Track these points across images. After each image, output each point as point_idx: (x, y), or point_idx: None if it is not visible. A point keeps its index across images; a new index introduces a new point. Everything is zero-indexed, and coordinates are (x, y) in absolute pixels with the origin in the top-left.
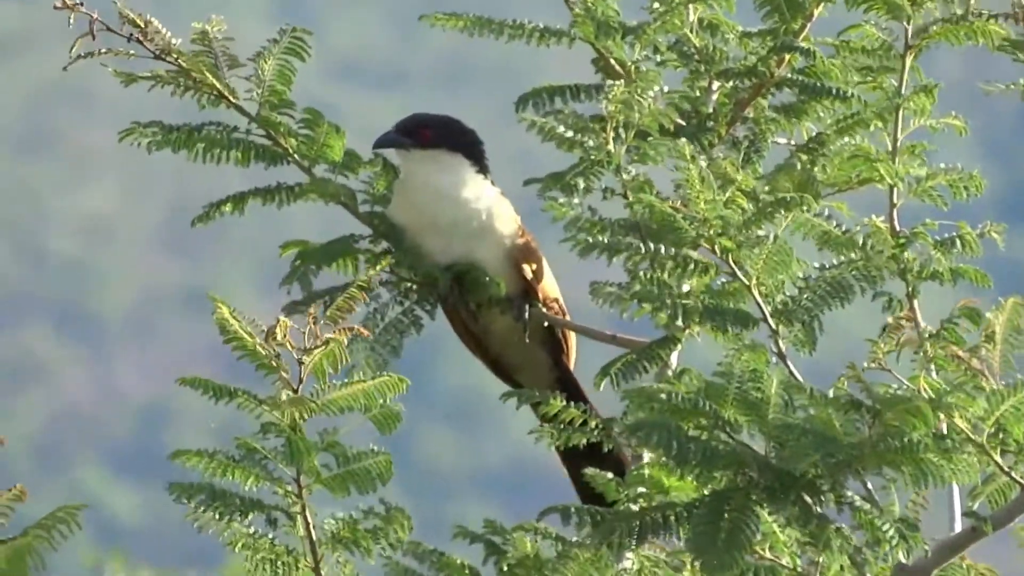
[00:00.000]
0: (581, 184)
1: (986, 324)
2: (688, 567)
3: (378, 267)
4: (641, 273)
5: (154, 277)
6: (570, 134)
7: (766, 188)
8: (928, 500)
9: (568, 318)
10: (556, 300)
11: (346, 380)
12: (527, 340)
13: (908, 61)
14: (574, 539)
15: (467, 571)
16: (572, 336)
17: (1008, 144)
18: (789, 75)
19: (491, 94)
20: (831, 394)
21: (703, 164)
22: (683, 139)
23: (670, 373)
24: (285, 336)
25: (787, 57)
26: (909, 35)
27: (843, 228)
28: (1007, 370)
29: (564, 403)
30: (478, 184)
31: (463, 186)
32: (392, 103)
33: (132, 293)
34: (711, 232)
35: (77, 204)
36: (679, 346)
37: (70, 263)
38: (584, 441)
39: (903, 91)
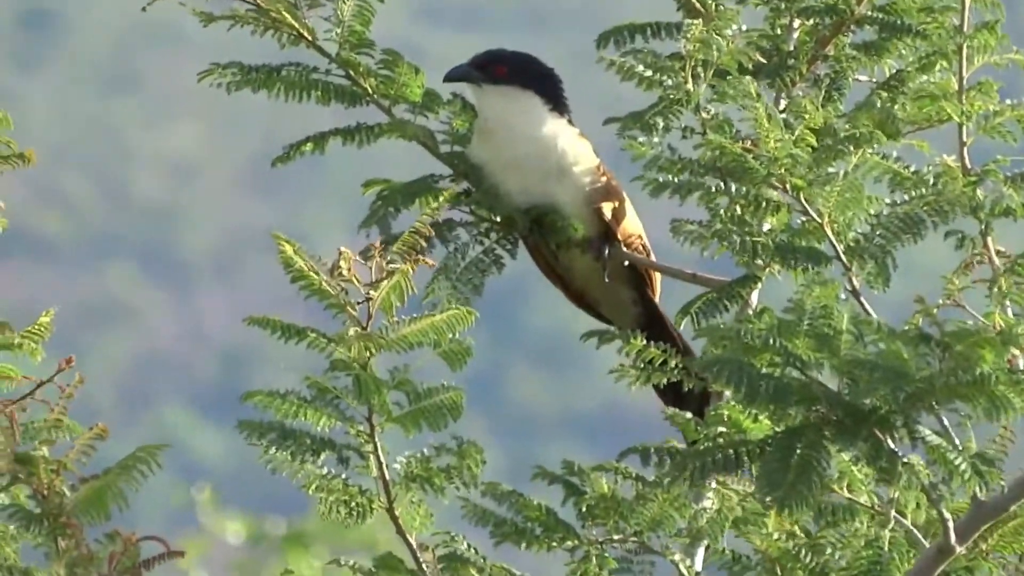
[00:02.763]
0: (660, 123)
1: None
2: (770, 508)
3: (441, 199)
4: (721, 211)
5: (240, 218)
6: (648, 73)
7: (846, 126)
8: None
9: (651, 255)
10: (639, 237)
11: (415, 316)
12: (607, 279)
13: None
14: (653, 479)
15: (544, 512)
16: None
17: None
18: (870, 13)
19: (572, 35)
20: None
21: (772, 104)
22: (748, 77)
23: (750, 312)
24: (350, 271)
25: None
26: None
27: (913, 169)
28: None
29: (645, 342)
30: (554, 123)
31: (539, 124)
32: (473, 43)
33: (218, 234)
34: (781, 170)
35: (163, 145)
36: (759, 285)
37: (156, 204)
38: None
39: (965, 29)
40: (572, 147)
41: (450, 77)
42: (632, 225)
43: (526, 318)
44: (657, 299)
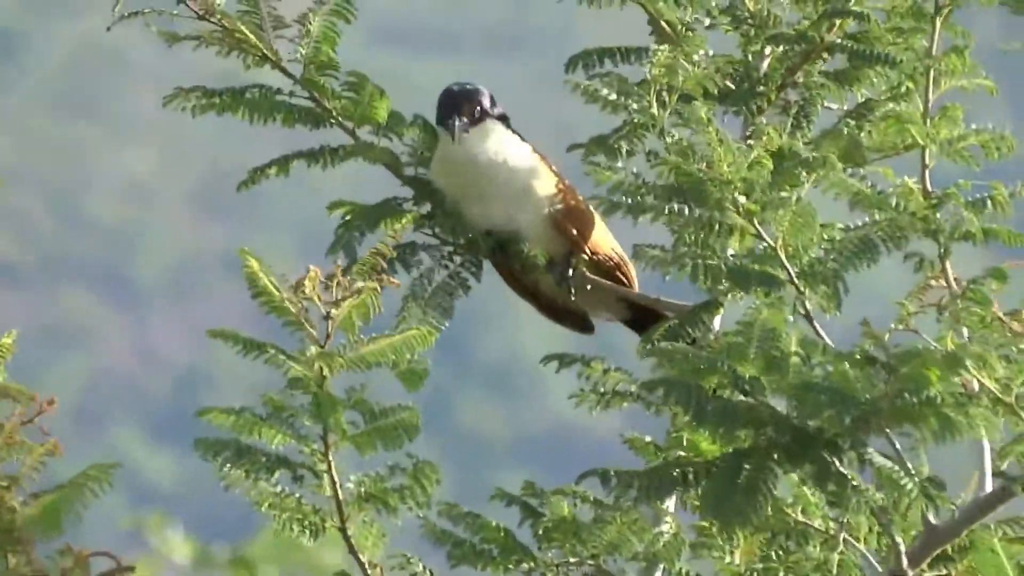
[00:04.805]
0: (624, 148)
1: None
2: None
3: (404, 221)
4: (685, 236)
5: (192, 240)
6: (613, 96)
7: (812, 152)
8: (958, 461)
9: (628, 264)
10: (612, 251)
11: (373, 336)
12: (573, 298)
13: (938, 22)
14: (611, 502)
15: (502, 534)
16: (631, 269)
17: None
18: (840, 41)
19: (533, 61)
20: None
21: (737, 129)
22: (697, 102)
23: (712, 338)
24: (314, 289)
25: (839, 22)
26: None
27: (875, 187)
28: None
29: (604, 368)
30: (517, 147)
31: (504, 152)
32: (436, 68)
33: (170, 256)
34: (735, 194)
35: (117, 167)
36: (721, 310)
37: (109, 226)
38: None
39: (934, 52)
40: (534, 171)
41: (456, 137)
42: (603, 242)
43: (477, 342)
44: (635, 286)
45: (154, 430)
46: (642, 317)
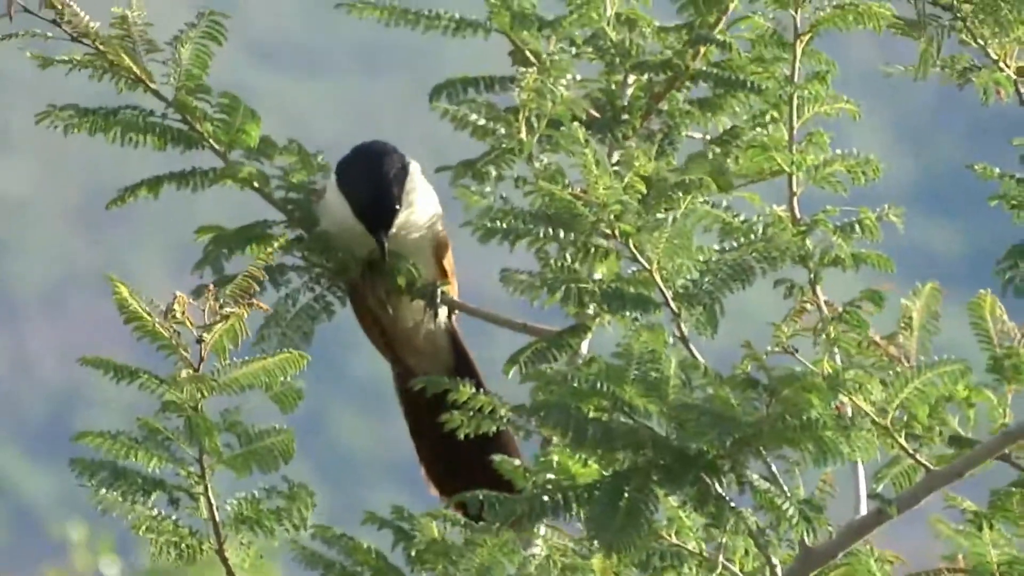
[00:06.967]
0: (493, 172)
1: (903, 310)
2: (596, 554)
3: (275, 245)
4: (552, 261)
5: (69, 257)
6: (482, 122)
7: (673, 174)
8: (834, 483)
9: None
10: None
11: (247, 359)
12: (432, 327)
13: (798, 49)
14: (482, 525)
15: (375, 556)
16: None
17: (923, 133)
18: (704, 68)
19: (406, 78)
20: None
21: (603, 154)
22: (576, 124)
23: (580, 362)
24: (184, 313)
25: (703, 50)
26: (798, 23)
27: (743, 218)
28: (924, 356)
29: (472, 391)
30: (423, 200)
31: (414, 215)
32: (309, 88)
33: (47, 273)
34: (610, 217)
35: None
36: (589, 334)
37: None
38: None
39: (796, 79)
40: (423, 199)
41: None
42: (453, 264)
43: (351, 362)
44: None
45: (31, 448)
46: (465, 369)
